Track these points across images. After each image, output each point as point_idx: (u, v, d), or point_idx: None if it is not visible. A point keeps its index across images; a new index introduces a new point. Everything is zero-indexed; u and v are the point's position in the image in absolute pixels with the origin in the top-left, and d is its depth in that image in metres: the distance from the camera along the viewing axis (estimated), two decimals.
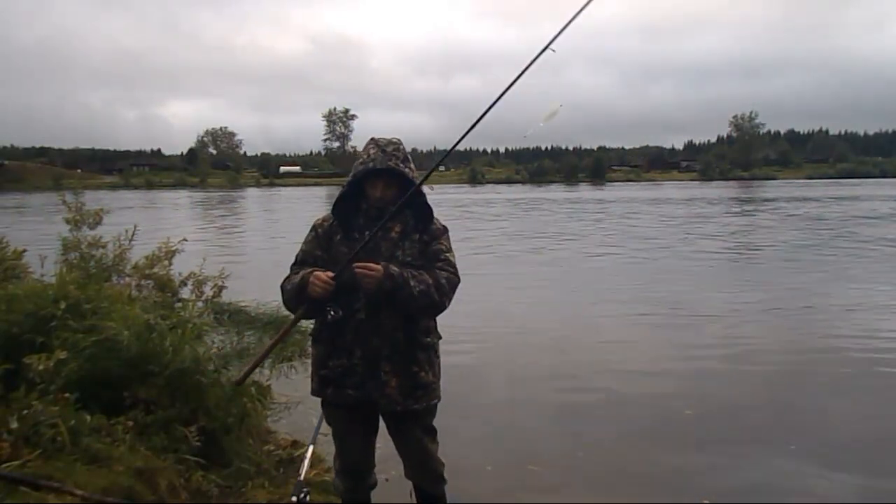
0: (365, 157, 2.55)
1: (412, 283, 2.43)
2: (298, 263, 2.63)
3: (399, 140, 2.62)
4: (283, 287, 2.60)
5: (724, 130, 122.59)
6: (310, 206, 40.63)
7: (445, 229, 2.66)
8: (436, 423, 2.74)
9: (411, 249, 2.56)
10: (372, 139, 2.61)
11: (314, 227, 2.66)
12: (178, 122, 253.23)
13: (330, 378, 2.58)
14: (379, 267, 2.40)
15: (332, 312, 2.47)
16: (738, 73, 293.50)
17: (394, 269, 2.43)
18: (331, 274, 2.42)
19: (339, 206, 2.62)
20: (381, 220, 2.54)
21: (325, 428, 3.33)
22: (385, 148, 2.54)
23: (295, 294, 2.51)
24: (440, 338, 2.69)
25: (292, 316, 2.67)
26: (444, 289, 2.50)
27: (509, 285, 10.76)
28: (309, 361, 2.83)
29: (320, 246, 2.61)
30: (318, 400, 2.72)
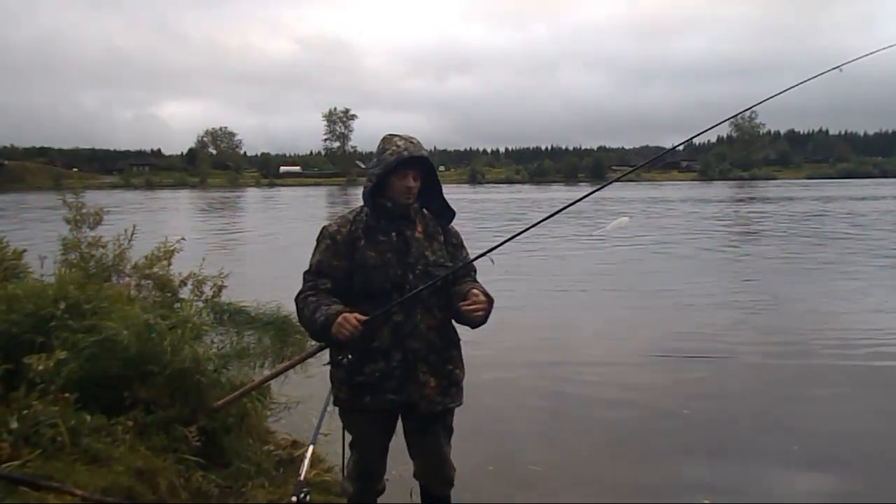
0: (393, 148, 2.47)
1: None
2: (314, 273, 2.53)
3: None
4: (299, 307, 2.52)
5: (725, 130, 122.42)
6: (310, 205, 40.63)
7: (457, 231, 2.70)
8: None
9: (440, 251, 2.57)
10: (390, 134, 2.55)
11: (330, 235, 2.54)
12: (177, 123, 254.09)
13: (367, 385, 2.48)
14: (486, 300, 2.41)
15: (350, 357, 2.44)
16: (736, 72, 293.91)
17: (487, 291, 2.46)
18: (361, 318, 2.35)
19: (370, 201, 2.54)
20: (405, 219, 2.54)
21: (325, 428, 3.33)
22: (412, 140, 2.53)
23: (315, 330, 2.44)
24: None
25: (293, 317, 2.66)
26: None
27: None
28: (308, 362, 2.82)
29: (338, 255, 2.51)
30: (318, 400, 2.70)
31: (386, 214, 2.54)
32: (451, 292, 2.52)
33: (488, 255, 2.56)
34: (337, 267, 2.51)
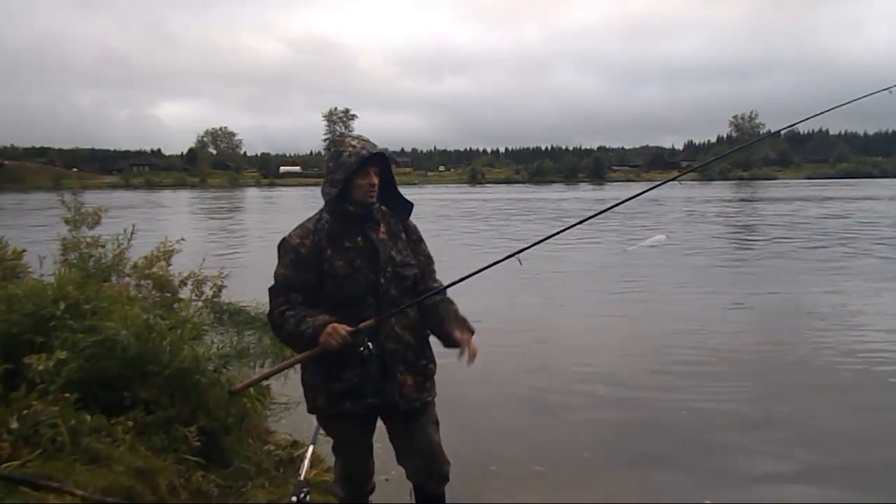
0: (350, 149, 2.42)
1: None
2: (283, 289, 2.46)
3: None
4: (276, 323, 2.47)
5: (724, 131, 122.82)
6: (310, 205, 40.50)
7: (416, 225, 2.72)
8: (440, 421, 2.73)
9: (405, 249, 2.58)
10: (341, 135, 2.61)
11: (293, 248, 2.46)
12: (175, 123, 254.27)
13: (346, 391, 2.48)
14: (471, 338, 2.51)
15: (371, 346, 2.41)
16: (734, 73, 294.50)
17: (468, 321, 2.59)
18: (349, 328, 2.35)
19: (334, 208, 2.49)
20: (369, 220, 2.51)
21: None
22: (365, 138, 2.50)
23: (302, 342, 2.40)
24: None
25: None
26: None
27: None
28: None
29: (305, 267, 2.45)
30: None
31: (349, 218, 2.50)
32: (427, 306, 2.57)
33: (516, 255, 2.59)
34: (304, 280, 2.46)
